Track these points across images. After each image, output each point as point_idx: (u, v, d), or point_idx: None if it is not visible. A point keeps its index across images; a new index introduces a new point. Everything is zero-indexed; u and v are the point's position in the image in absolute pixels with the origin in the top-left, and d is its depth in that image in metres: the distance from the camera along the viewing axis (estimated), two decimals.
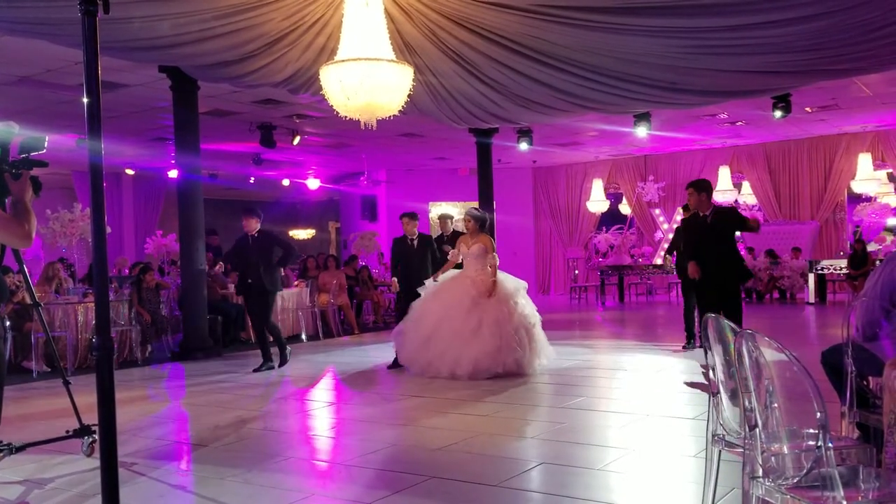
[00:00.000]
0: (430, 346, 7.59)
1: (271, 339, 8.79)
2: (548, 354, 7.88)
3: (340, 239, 22.69)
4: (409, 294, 8.41)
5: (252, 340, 10.98)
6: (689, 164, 18.64)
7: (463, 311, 7.53)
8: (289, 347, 8.93)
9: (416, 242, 8.75)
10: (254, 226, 8.54)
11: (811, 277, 14.88)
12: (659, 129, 14.53)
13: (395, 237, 9.07)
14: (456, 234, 9.91)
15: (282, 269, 9.20)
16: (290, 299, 11.75)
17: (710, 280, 6.97)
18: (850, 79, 10.67)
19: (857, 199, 16.92)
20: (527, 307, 7.82)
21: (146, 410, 6.48)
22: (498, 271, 7.85)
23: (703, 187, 7.21)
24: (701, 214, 7.21)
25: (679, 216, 11.45)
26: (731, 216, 7.31)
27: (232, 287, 11.52)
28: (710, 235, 6.97)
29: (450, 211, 14.53)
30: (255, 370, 8.44)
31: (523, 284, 8.07)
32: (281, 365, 8.64)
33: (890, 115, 14.68)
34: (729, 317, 7.13)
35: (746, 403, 2.54)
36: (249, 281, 8.53)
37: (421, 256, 8.68)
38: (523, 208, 20.61)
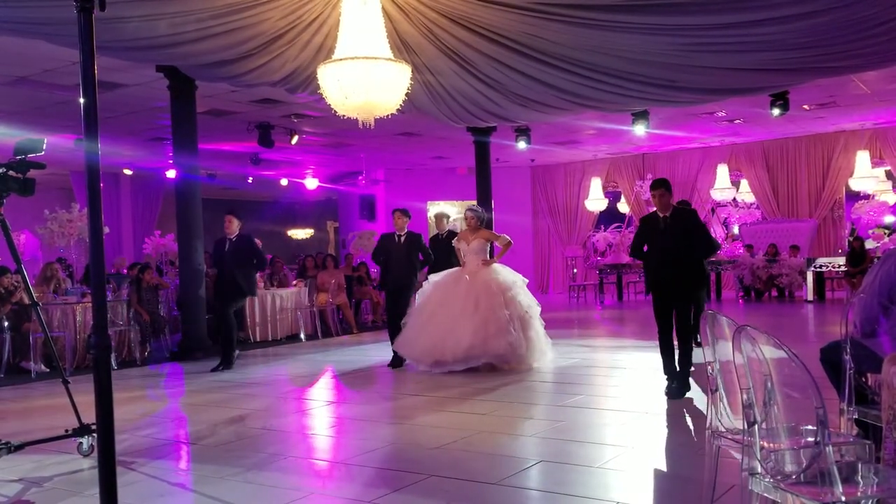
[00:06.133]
0: (428, 332, 7.73)
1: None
2: (546, 352, 7.98)
3: (339, 238, 22.68)
4: (391, 290, 8.64)
5: (250, 341, 11.01)
6: (687, 162, 18.63)
7: (460, 298, 7.76)
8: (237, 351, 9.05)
9: (402, 239, 8.68)
10: (234, 228, 8.79)
11: (809, 275, 14.88)
12: (657, 127, 14.52)
13: (383, 232, 9.17)
14: (452, 234, 9.91)
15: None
16: (289, 299, 11.75)
17: (668, 283, 6.64)
18: (848, 76, 10.66)
19: (855, 196, 16.91)
20: (524, 298, 7.97)
21: (145, 410, 6.47)
22: (496, 263, 8.24)
23: (670, 188, 6.71)
24: (661, 216, 6.69)
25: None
26: (691, 217, 6.67)
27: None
28: (668, 237, 6.46)
29: (447, 210, 14.47)
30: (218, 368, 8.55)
31: (522, 278, 8.28)
32: (226, 368, 8.56)
33: (888, 113, 14.68)
34: (679, 320, 6.60)
35: (745, 400, 2.54)
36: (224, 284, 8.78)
37: (405, 253, 8.62)
38: (522, 207, 20.60)
